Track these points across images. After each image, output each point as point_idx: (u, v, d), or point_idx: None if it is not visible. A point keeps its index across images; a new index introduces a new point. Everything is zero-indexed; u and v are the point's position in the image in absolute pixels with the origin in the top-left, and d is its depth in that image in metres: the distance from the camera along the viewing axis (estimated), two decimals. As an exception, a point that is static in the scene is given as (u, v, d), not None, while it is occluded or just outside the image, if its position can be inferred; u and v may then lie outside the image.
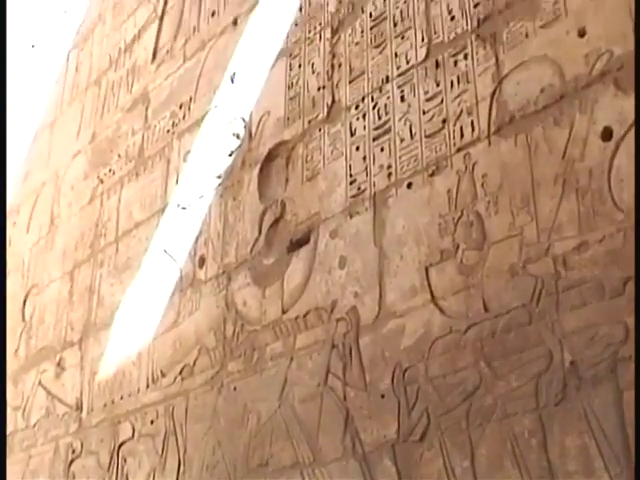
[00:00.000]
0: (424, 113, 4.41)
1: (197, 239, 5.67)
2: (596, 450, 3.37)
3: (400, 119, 4.52)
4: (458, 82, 4.30)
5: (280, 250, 5.01)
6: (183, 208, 5.86)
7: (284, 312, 4.83)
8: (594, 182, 3.64)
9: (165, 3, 7.06)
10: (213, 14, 6.38)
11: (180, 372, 5.48)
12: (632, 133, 3.55)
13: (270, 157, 5.30)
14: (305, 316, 4.68)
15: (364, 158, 4.64)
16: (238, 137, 5.57)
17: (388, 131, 4.57)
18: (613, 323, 3.41)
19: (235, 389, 5.00)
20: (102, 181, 7.02)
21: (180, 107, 6.31)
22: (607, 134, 3.66)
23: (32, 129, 8.62)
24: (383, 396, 4.16)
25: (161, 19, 7.04)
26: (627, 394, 3.31)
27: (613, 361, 3.39)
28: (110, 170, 6.97)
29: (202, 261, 5.56)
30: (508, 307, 3.77)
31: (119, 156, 6.91)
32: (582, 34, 3.86)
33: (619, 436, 3.31)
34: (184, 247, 5.75)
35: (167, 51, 6.79)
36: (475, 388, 3.80)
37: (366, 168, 4.62)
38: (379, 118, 4.64)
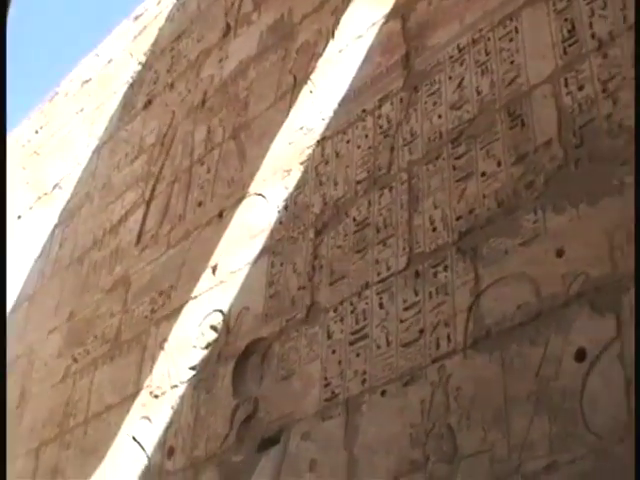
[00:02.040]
0: (401, 322, 4.46)
1: (167, 429, 5.62)
2: None
3: (377, 325, 4.56)
4: (437, 293, 4.36)
5: (250, 448, 4.96)
6: (155, 396, 5.83)
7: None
8: (567, 402, 3.66)
9: (153, 189, 7.20)
10: (200, 204, 6.51)
11: None
12: (606, 355, 3.61)
13: (246, 353, 5.31)
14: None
15: (340, 362, 4.66)
16: (215, 330, 5.60)
17: (365, 337, 4.60)
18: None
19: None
20: (76, 360, 6.99)
21: (160, 294, 6.35)
22: (581, 355, 3.70)
23: (10, 300, 8.63)
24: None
25: (148, 204, 7.17)
26: None
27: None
28: (85, 350, 6.94)
29: (171, 452, 5.50)
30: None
31: (95, 337, 6.90)
32: (560, 254, 3.96)
33: None
34: (154, 436, 5.69)
35: (152, 236, 6.88)
36: None
37: (341, 372, 4.62)
38: (357, 323, 4.68)
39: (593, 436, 3.53)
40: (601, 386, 3.59)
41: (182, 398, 5.61)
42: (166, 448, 5.56)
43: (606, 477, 3.42)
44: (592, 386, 3.62)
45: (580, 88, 4.21)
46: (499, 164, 4.41)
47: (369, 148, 5.22)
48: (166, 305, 6.23)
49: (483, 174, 4.45)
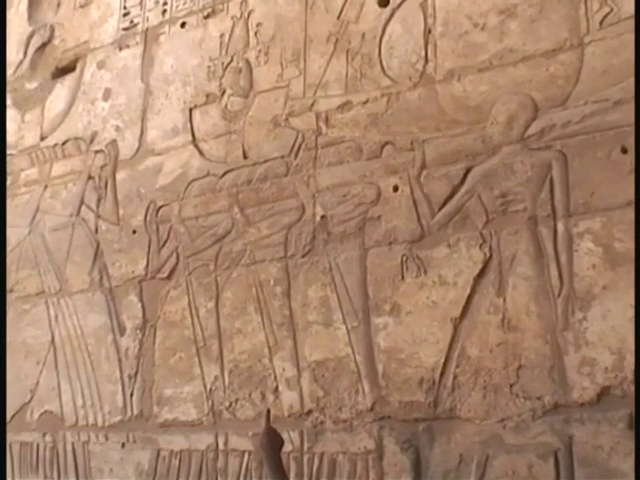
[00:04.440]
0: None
1: (-43, 54, 5.23)
2: (337, 303, 3.38)
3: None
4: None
5: (45, 75, 4.69)
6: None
7: (42, 139, 4.56)
8: (365, 46, 3.56)
9: None
10: None
11: None
12: (409, 2, 3.49)
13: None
14: (64, 145, 4.44)
15: (140, 17, 4.39)
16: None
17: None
18: (366, 184, 3.39)
19: (-16, 212, 4.71)
20: None
21: None
22: (385, 0, 3.57)
23: None
24: (135, 232, 4.03)
25: None
26: (372, 252, 3.32)
27: (362, 220, 3.38)
28: None
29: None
30: (267, 157, 3.70)
31: None
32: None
33: (360, 292, 3.33)
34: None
35: None
36: (226, 232, 3.73)
37: (141, 2, 4.37)
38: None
39: (387, 79, 3.47)
40: (401, 32, 3.49)
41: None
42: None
43: (395, 120, 3.39)
44: (392, 31, 3.53)
45: None
46: None
47: None
48: None
49: None
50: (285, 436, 3.35)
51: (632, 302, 2.80)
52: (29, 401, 4.20)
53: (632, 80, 2.94)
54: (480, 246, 3.11)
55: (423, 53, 3.41)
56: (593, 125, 2.99)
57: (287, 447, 3.36)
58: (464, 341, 3.09)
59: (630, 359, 2.78)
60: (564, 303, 2.93)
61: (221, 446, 3.58)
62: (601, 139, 2.96)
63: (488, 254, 3.10)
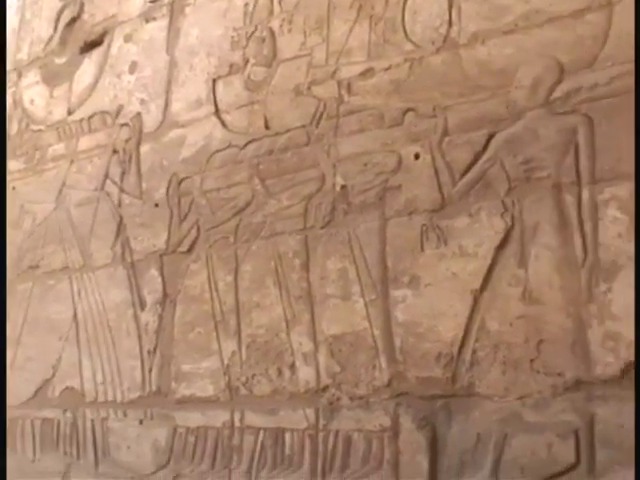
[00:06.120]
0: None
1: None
2: (355, 275, 3.30)
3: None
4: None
5: (73, 50, 4.69)
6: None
7: (70, 114, 4.56)
8: (389, 11, 3.48)
9: None
10: None
11: (-38, 169, 5.15)
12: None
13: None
14: (90, 119, 4.43)
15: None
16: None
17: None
18: (387, 152, 3.31)
19: (14, 189, 4.71)
20: None
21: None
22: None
23: None
24: (157, 205, 4.00)
25: None
26: (391, 222, 3.24)
27: (383, 189, 3.30)
28: None
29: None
30: (288, 127, 3.63)
31: None
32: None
33: (379, 264, 3.25)
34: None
35: None
36: (247, 204, 3.67)
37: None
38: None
39: (411, 44, 3.38)
40: (424, -1, 3.41)
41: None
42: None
43: (418, 86, 3.30)
44: (416, -5, 3.44)
45: None
46: None
47: None
48: None
49: None
50: (300, 413, 3.30)
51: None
52: (51, 377, 4.19)
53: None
54: (502, 215, 3.00)
55: (447, 17, 3.31)
56: (621, 88, 2.86)
57: (302, 424, 3.31)
58: (484, 314, 2.99)
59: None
60: (588, 274, 2.81)
61: (237, 423, 3.52)
62: (629, 102, 2.83)
63: (510, 223, 2.98)
